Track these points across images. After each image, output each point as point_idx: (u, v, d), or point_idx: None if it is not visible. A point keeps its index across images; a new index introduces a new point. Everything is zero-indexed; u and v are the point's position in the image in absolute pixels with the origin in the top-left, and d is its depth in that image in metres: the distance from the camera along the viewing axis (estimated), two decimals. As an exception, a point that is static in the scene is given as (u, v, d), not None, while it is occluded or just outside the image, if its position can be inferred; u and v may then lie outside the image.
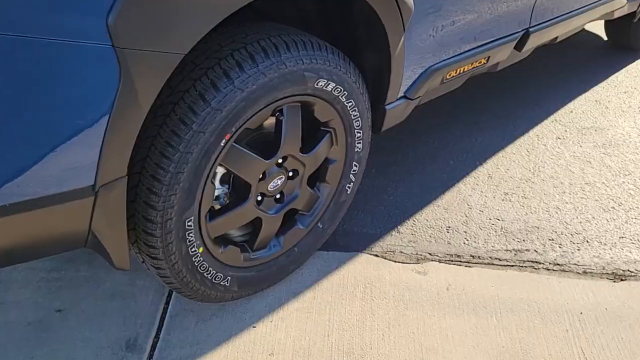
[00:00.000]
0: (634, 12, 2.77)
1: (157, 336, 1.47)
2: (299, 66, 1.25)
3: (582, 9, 2.26)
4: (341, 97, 1.40)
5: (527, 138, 2.31)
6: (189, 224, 1.24)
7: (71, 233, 1.08)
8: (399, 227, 1.83)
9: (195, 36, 1.02)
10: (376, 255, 1.73)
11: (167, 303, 1.55)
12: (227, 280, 1.43)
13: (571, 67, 2.90)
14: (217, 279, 1.40)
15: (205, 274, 1.36)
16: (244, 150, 1.28)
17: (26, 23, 0.84)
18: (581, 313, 1.58)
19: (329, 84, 1.34)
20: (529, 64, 2.80)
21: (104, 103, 0.95)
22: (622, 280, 1.69)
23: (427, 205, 1.93)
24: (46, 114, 0.92)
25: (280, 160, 1.40)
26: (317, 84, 1.31)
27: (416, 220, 1.86)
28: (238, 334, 1.48)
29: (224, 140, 1.19)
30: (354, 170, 1.61)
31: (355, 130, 1.52)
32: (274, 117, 1.35)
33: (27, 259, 1.10)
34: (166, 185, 1.14)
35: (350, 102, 1.43)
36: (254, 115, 1.23)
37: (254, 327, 1.50)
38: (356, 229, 1.82)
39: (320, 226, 1.62)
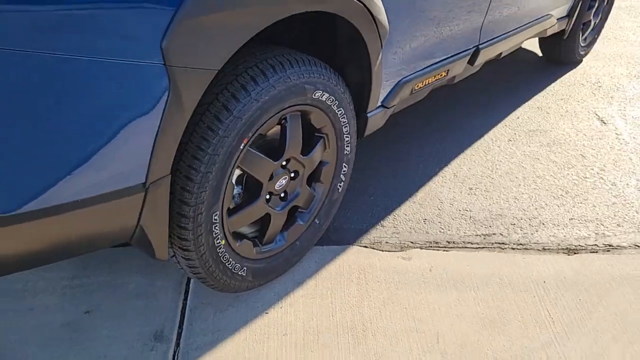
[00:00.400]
0: (563, 30, 3.15)
1: (180, 327, 1.63)
2: (301, 80, 1.48)
3: (520, 28, 2.60)
4: (333, 106, 1.64)
5: (483, 141, 2.61)
6: (215, 217, 1.43)
7: (123, 227, 1.25)
8: (382, 221, 2.07)
9: (226, 55, 1.23)
10: (365, 247, 1.95)
11: (186, 299, 1.72)
12: (244, 271, 1.62)
13: (514, 80, 3.25)
14: (235, 269, 1.58)
15: (226, 264, 1.55)
16: (258, 153, 1.50)
17: (101, 48, 1.03)
18: (544, 282, 1.85)
19: (324, 94, 1.58)
20: (478, 80, 3.13)
21: (157, 111, 1.15)
22: (575, 253, 1.98)
23: (404, 202, 2.17)
24: (110, 120, 1.11)
25: (284, 163, 1.61)
26: (314, 95, 1.55)
27: (397, 215, 2.10)
28: (253, 319, 1.66)
29: (242, 144, 1.40)
30: (344, 171, 1.84)
31: (345, 135, 1.76)
32: (279, 124, 1.57)
33: (82, 251, 1.26)
34: (197, 184, 1.34)
35: (340, 110, 1.67)
36: (265, 122, 1.44)
37: (266, 313, 1.68)
38: (345, 225, 2.04)
39: (317, 222, 1.84)
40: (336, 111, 1.66)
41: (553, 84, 3.25)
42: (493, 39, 2.39)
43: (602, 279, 1.87)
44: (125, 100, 1.11)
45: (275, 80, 1.40)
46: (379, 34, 1.64)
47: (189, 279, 1.78)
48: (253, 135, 1.43)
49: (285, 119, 1.55)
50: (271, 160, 1.54)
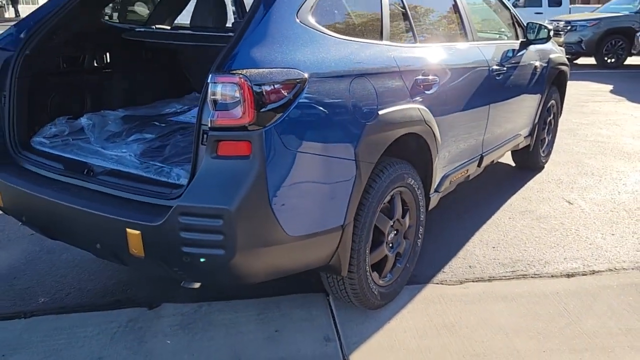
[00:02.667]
0: (529, 145, 4.44)
1: (338, 334, 2.52)
2: (403, 172, 2.58)
3: (504, 142, 3.84)
4: (415, 187, 2.73)
5: (492, 220, 3.71)
6: (367, 252, 2.44)
7: (330, 252, 2.24)
8: (442, 269, 3.07)
9: (378, 156, 2.33)
10: (437, 284, 2.93)
11: (334, 318, 2.62)
12: (377, 292, 2.58)
13: (502, 182, 4.45)
14: (373, 290, 2.54)
15: (372, 287, 2.51)
16: (383, 215, 2.54)
17: (336, 152, 2.12)
18: (557, 293, 2.85)
19: (412, 180, 2.67)
20: (480, 184, 4.31)
21: (350, 184, 2.21)
22: (572, 277, 3.01)
23: (452, 257, 3.20)
24: (333, 189, 2.16)
25: (392, 223, 2.65)
26: (407, 180, 2.64)
27: (450, 265, 3.11)
28: (381, 325, 2.58)
29: (379, 207, 2.46)
30: (420, 232, 2.88)
31: (420, 208, 2.83)
32: (390, 200, 2.63)
33: (302, 270, 2.23)
34: (360, 229, 2.36)
35: (419, 191, 2.76)
36: (387, 195, 2.51)
37: (388, 321, 2.61)
38: (422, 271, 3.03)
39: (408, 266, 2.83)
40: (417, 191, 2.75)
41: (528, 182, 4.48)
42: (490, 149, 3.61)
43: (592, 288, 2.88)
44: (339, 178, 2.18)
45: (393, 171, 2.50)
46: (437, 146, 2.80)
47: (331, 308, 2.70)
48: (381, 203, 2.48)
49: (393, 196, 2.62)
50: (389, 220, 2.59)
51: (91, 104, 2.91)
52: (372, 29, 2.52)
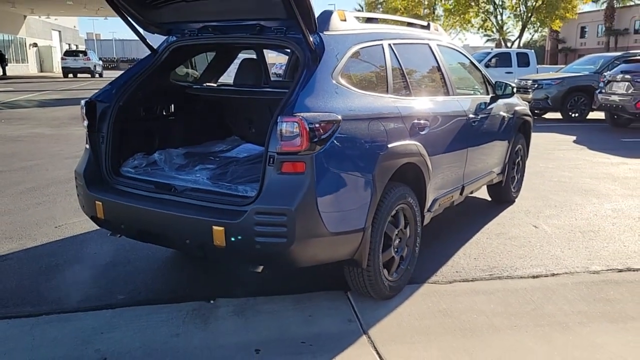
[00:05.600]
0: (501, 181, 5.32)
1: (357, 317, 3.27)
2: (404, 192, 3.40)
3: (479, 177, 4.70)
4: (414, 205, 3.54)
5: (473, 240, 4.53)
6: (380, 251, 3.22)
7: (354, 248, 3.03)
8: (435, 273, 3.86)
9: (388, 178, 3.16)
10: (431, 283, 3.72)
11: (353, 307, 3.37)
12: (387, 285, 3.35)
13: (479, 213, 5.30)
14: (385, 283, 3.32)
15: (383, 280, 3.28)
16: (391, 225, 3.35)
17: (356, 172, 2.96)
18: (525, 289, 3.65)
19: (411, 199, 3.49)
20: (462, 213, 5.14)
21: (369, 197, 3.03)
22: (537, 277, 3.82)
23: (442, 265, 3.99)
24: (356, 199, 2.97)
25: (396, 231, 3.45)
26: (408, 199, 3.46)
27: (441, 271, 3.90)
28: (393, 310, 3.33)
29: (389, 218, 3.26)
30: (417, 242, 3.68)
31: (418, 222, 3.64)
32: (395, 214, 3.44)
33: (331, 261, 3.01)
34: (376, 232, 3.15)
35: (416, 208, 3.58)
36: (394, 210, 3.32)
37: (396, 308, 3.37)
38: (415, 274, 3.81)
39: (409, 268, 3.61)
40: (415, 208, 3.57)
41: (502, 212, 5.34)
42: (469, 181, 4.48)
43: (552, 285, 3.69)
44: (362, 192, 3.00)
45: (396, 191, 3.33)
46: (429, 174, 3.64)
47: (350, 300, 3.45)
48: (390, 215, 3.29)
49: (398, 211, 3.43)
50: (395, 228, 3.39)
51: (159, 143, 3.72)
52: (381, 85, 3.41)
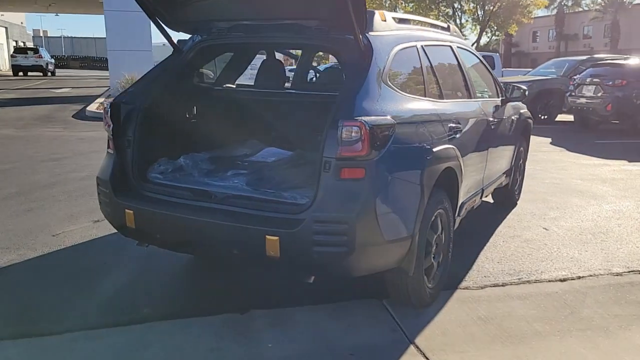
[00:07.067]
0: (507, 184, 5.34)
1: (399, 325, 3.18)
2: (442, 197, 3.33)
3: (494, 180, 4.70)
4: (449, 209, 3.48)
5: (490, 243, 4.51)
6: (423, 258, 3.14)
7: (402, 254, 2.94)
8: (465, 278, 3.81)
9: (433, 183, 3.08)
10: (463, 289, 3.66)
11: (392, 316, 3.28)
12: (427, 291, 3.27)
13: (488, 216, 5.31)
14: (426, 290, 3.23)
15: (425, 287, 3.20)
16: (431, 230, 3.27)
17: (408, 177, 2.86)
18: (556, 292, 3.64)
19: (447, 204, 3.43)
20: (474, 218, 5.12)
21: (418, 201, 2.93)
22: (565, 281, 3.82)
23: (469, 270, 3.95)
24: (407, 204, 2.88)
25: (435, 237, 3.38)
26: (445, 204, 3.39)
27: (469, 276, 3.86)
28: (433, 318, 3.26)
29: (429, 224, 3.18)
30: (450, 246, 3.62)
31: (451, 227, 3.58)
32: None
33: (383, 269, 2.91)
34: (419, 239, 3.07)
35: (450, 213, 3.52)
36: (433, 216, 3.25)
37: (435, 314, 3.29)
38: (450, 280, 3.75)
39: (443, 275, 3.55)
40: (449, 213, 3.51)
41: (508, 215, 5.36)
42: (487, 184, 4.46)
43: (581, 288, 3.70)
44: (412, 197, 2.91)
45: (437, 196, 3.25)
46: (462, 178, 3.59)
47: (388, 309, 3.35)
48: (431, 220, 3.22)
49: (436, 216, 3.36)
50: (434, 233, 3.32)
51: (181, 146, 3.52)
52: (419, 88, 3.33)
